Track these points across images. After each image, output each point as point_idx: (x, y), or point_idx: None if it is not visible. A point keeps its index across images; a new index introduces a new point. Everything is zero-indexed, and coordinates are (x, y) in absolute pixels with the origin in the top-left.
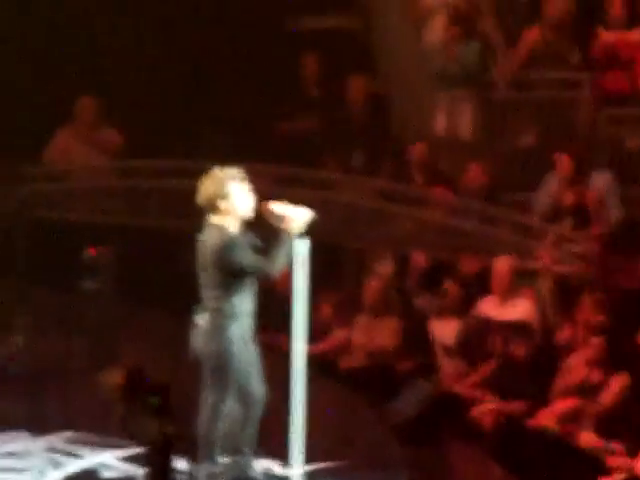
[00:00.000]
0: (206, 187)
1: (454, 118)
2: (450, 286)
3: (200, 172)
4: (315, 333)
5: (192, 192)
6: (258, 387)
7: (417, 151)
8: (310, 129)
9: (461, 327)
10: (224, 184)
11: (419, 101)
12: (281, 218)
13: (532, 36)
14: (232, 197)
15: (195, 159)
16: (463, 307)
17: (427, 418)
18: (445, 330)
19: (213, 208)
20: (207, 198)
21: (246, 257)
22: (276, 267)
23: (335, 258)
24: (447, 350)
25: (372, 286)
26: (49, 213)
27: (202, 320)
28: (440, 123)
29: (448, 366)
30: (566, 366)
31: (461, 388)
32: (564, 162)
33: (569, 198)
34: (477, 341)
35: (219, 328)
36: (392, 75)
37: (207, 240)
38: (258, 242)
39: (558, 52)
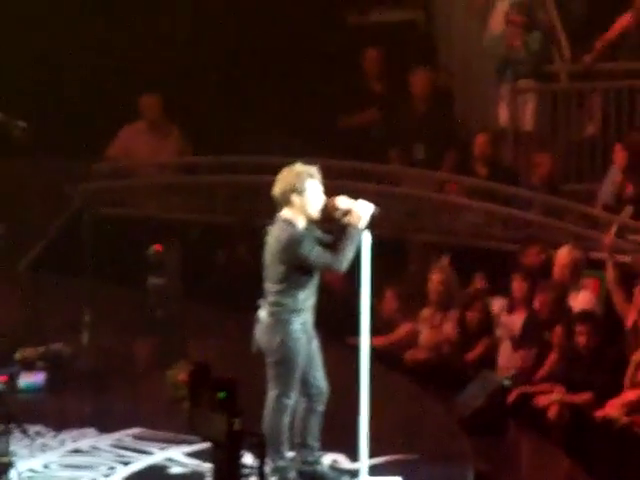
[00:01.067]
0: (283, 180)
1: (517, 109)
2: (517, 279)
3: (264, 168)
4: (380, 326)
5: (256, 188)
6: (321, 380)
7: (480, 143)
8: (373, 123)
9: (526, 318)
10: (302, 179)
11: (482, 93)
12: (346, 212)
13: (623, 23)
14: (307, 193)
15: (259, 155)
16: (528, 298)
17: (493, 410)
18: (512, 321)
19: (286, 202)
20: (282, 191)
21: (314, 251)
22: (344, 261)
23: (399, 251)
24: (513, 341)
25: (435, 279)
26: (114, 210)
27: (265, 314)
28: (503, 114)
29: (513, 357)
30: (634, 356)
31: (527, 380)
32: (620, 154)
33: (629, 188)
34: (541, 331)
35: (282, 322)
36: (454, 67)
37: (275, 234)
38: (325, 237)
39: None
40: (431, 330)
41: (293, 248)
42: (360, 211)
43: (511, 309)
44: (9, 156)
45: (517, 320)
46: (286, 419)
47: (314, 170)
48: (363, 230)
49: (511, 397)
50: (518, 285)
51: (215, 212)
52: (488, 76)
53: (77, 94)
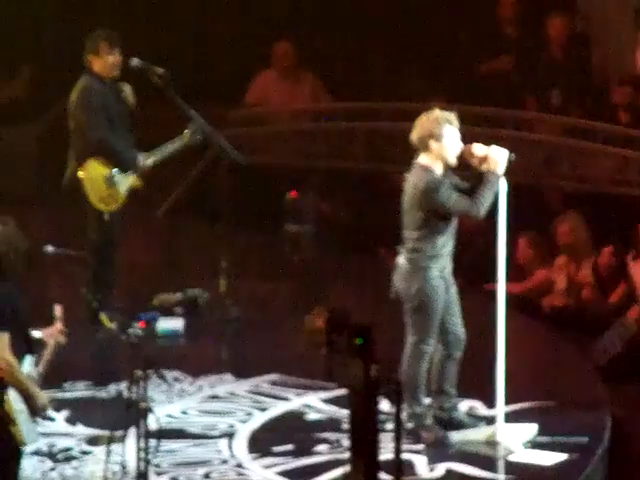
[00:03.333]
0: (422, 125)
1: None
2: None
3: (401, 114)
4: (516, 273)
5: (393, 134)
6: (459, 327)
7: (622, 91)
8: (509, 69)
9: None
10: (440, 125)
11: (619, 38)
12: (483, 159)
13: None
14: (444, 140)
15: (395, 101)
16: None
17: (631, 356)
18: (638, 269)
19: (424, 147)
20: (420, 136)
21: (451, 197)
22: (482, 207)
23: (535, 198)
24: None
25: (561, 230)
26: (251, 156)
27: (403, 260)
28: None
29: None
30: None
31: None
32: None
33: None
34: None
35: (420, 268)
36: (591, 12)
37: (412, 180)
38: (462, 183)
39: None
40: (567, 278)
41: (431, 194)
42: (496, 157)
43: (636, 257)
44: (149, 101)
45: None
46: (424, 365)
47: (452, 116)
48: (500, 176)
49: None
50: None
51: (353, 159)
52: (626, 21)
53: (211, 42)
